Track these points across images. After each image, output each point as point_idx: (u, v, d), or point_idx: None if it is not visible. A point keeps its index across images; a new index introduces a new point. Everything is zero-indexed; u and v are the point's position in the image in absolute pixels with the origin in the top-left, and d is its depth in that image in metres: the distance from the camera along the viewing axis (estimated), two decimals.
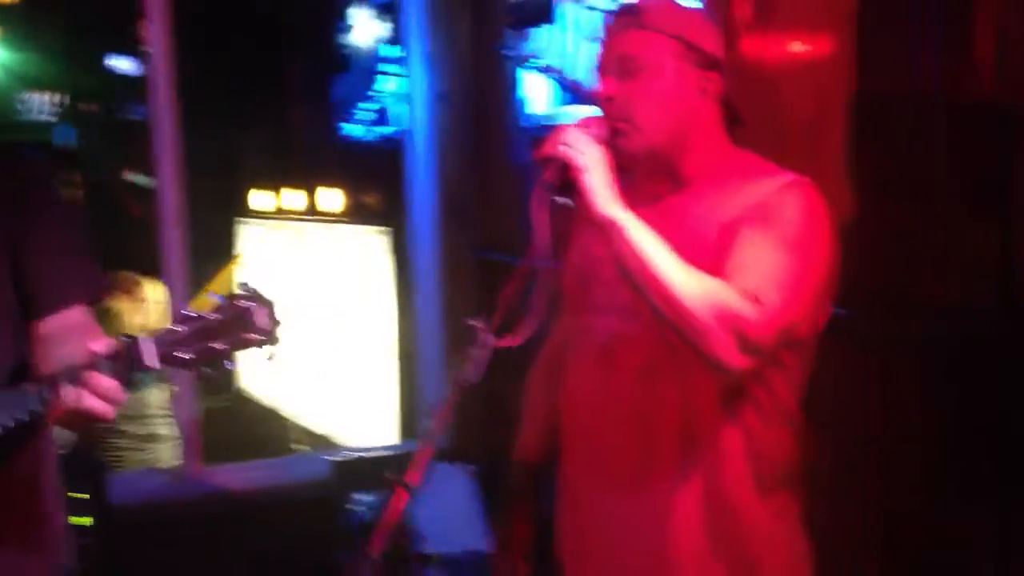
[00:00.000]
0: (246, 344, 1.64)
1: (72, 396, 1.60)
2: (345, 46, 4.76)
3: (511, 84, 3.71)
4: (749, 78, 2.19)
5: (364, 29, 4.64)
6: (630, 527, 1.82)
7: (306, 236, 5.36)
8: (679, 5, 1.91)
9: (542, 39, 3.32)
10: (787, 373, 1.80)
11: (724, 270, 1.67)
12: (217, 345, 1.63)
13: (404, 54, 4.03)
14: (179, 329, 1.63)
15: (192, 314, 1.64)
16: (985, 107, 2.31)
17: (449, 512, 3.72)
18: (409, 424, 4.30)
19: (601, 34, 1.86)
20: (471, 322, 1.71)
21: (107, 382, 1.60)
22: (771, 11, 2.56)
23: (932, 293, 2.27)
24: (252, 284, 1.67)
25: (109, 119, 7.36)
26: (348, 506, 3.64)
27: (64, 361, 1.66)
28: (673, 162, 1.82)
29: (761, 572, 1.79)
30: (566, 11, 3.15)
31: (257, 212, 5.73)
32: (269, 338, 1.65)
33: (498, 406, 3.96)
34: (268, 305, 1.66)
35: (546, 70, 3.35)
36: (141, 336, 1.62)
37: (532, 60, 3.38)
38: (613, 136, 1.77)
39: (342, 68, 4.83)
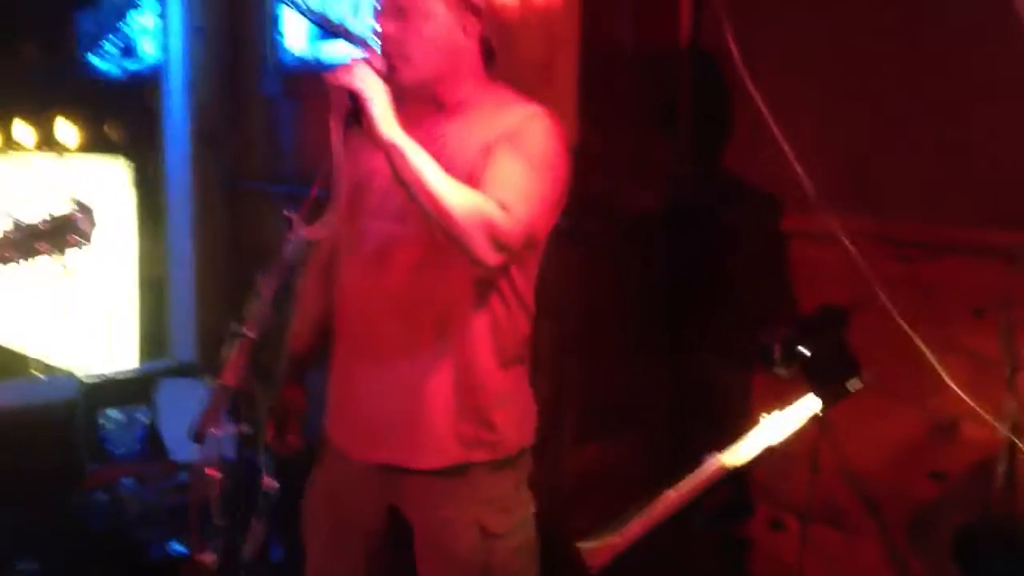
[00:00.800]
0: (69, 245, 1.92)
1: None
2: None
3: (268, 21, 3.92)
4: (496, 26, 2.54)
5: None
6: (394, 398, 2.15)
7: (40, 169, 5.28)
8: None
9: None
10: (526, 269, 2.18)
11: (482, 184, 2.03)
12: (42, 246, 1.89)
13: None
14: (11, 233, 1.88)
15: (23, 221, 1.89)
16: (663, 53, 2.87)
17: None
18: (153, 346, 4.43)
19: None
20: (287, 213, 1.95)
21: None
22: None
23: (622, 199, 2.76)
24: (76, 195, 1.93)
25: None
26: (100, 422, 3.79)
27: None
28: (440, 91, 2.14)
29: (498, 427, 2.17)
30: None
31: None
32: (88, 240, 1.92)
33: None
34: (89, 212, 1.93)
35: (305, 10, 3.59)
36: None
37: (293, 1, 3.60)
38: (390, 70, 2.07)
39: (88, 2, 4.81)
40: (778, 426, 1.75)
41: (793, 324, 1.91)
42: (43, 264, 2.00)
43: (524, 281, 2.19)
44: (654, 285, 2.90)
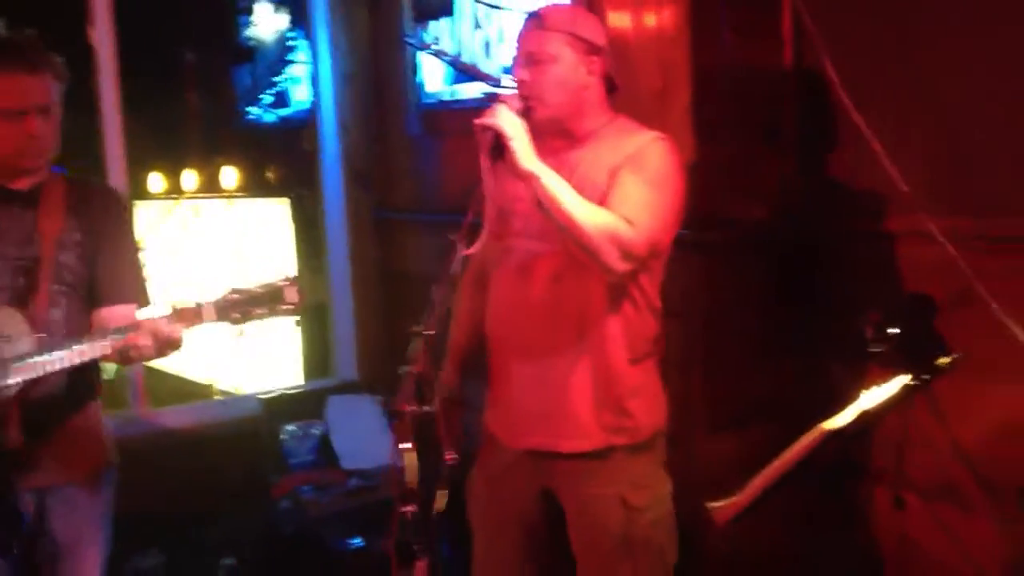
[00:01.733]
0: (279, 313, 2.37)
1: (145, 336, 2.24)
2: (249, 37, 5.27)
3: (408, 66, 4.33)
4: (615, 60, 2.86)
5: (267, 22, 5.17)
6: (543, 392, 2.50)
7: (206, 213, 5.79)
8: (571, 7, 2.59)
9: (440, 29, 3.94)
10: (652, 275, 2.50)
11: (609, 203, 2.36)
12: (258, 310, 2.31)
13: (310, 41, 4.59)
14: (233, 296, 2.29)
15: (242, 287, 2.33)
16: (767, 75, 3.12)
17: (364, 435, 4.35)
18: (319, 366, 4.88)
19: (516, 35, 2.52)
20: (450, 236, 2.31)
21: (176, 328, 2.28)
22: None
23: (736, 210, 3.02)
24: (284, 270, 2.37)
25: None
26: (280, 436, 4.22)
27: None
28: (569, 126, 2.49)
29: (634, 414, 2.49)
30: (462, 6, 3.78)
31: (155, 194, 6.13)
32: (296, 309, 2.38)
33: (399, 345, 4.61)
34: (296, 283, 2.34)
35: (441, 55, 3.97)
36: (206, 302, 2.29)
37: (430, 47, 3.99)
38: (527, 110, 2.42)
39: (245, 57, 5.32)
40: (873, 396, 2.01)
41: (884, 310, 2.17)
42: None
43: (651, 286, 2.51)
44: (769, 287, 3.15)
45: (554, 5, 2.58)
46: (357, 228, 4.56)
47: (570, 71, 2.45)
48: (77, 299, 2.49)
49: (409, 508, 2.23)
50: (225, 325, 2.35)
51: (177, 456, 3.95)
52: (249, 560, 3.57)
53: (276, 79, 5.18)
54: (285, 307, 2.37)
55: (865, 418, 2.01)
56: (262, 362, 5.24)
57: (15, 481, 2.30)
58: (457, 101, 4.17)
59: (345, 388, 4.53)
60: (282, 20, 5.15)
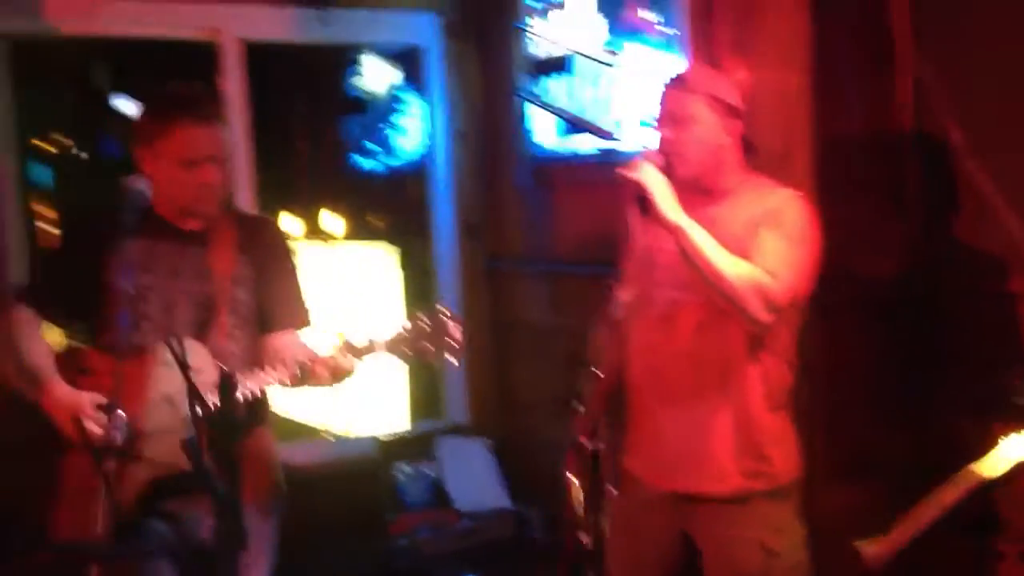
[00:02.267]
0: (446, 348, 2.49)
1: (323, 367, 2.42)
2: (359, 89, 5.49)
3: (519, 121, 4.50)
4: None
5: (378, 75, 5.38)
6: (685, 437, 2.61)
7: (318, 257, 5.96)
8: (713, 72, 2.73)
9: (554, 85, 4.10)
10: (789, 327, 2.61)
11: (751, 256, 2.48)
12: (427, 345, 2.45)
13: (424, 96, 4.79)
14: (404, 331, 2.46)
15: (412, 322, 2.49)
16: (892, 141, 3.24)
17: (474, 477, 4.48)
18: (428, 410, 5.04)
19: (660, 95, 2.66)
20: (608, 282, 2.44)
21: (349, 361, 2.45)
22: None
23: (860, 268, 3.11)
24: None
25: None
26: (393, 473, 4.37)
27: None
28: (708, 183, 2.62)
29: (773, 461, 2.59)
30: (578, 63, 3.94)
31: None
32: (460, 346, 2.49)
33: (508, 390, 4.76)
34: (459, 322, 2.46)
35: (556, 110, 4.14)
36: (378, 335, 2.44)
37: (545, 102, 4.16)
38: (668, 166, 2.56)
39: (355, 109, 5.53)
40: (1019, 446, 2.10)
41: None
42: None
43: (788, 337, 2.61)
44: (892, 345, 3.23)
45: (696, 67, 2.72)
46: (468, 277, 4.71)
47: (710, 131, 2.59)
48: (251, 331, 2.67)
49: (584, 537, 2.32)
50: (395, 359, 2.48)
51: (297, 494, 4.09)
52: None
53: (384, 127, 5.38)
54: (451, 343, 2.49)
55: (1018, 468, 2.09)
56: (370, 402, 5.39)
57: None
58: (569, 155, 4.32)
59: (455, 431, 4.67)
60: (394, 74, 5.36)
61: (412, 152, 5.26)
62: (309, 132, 5.82)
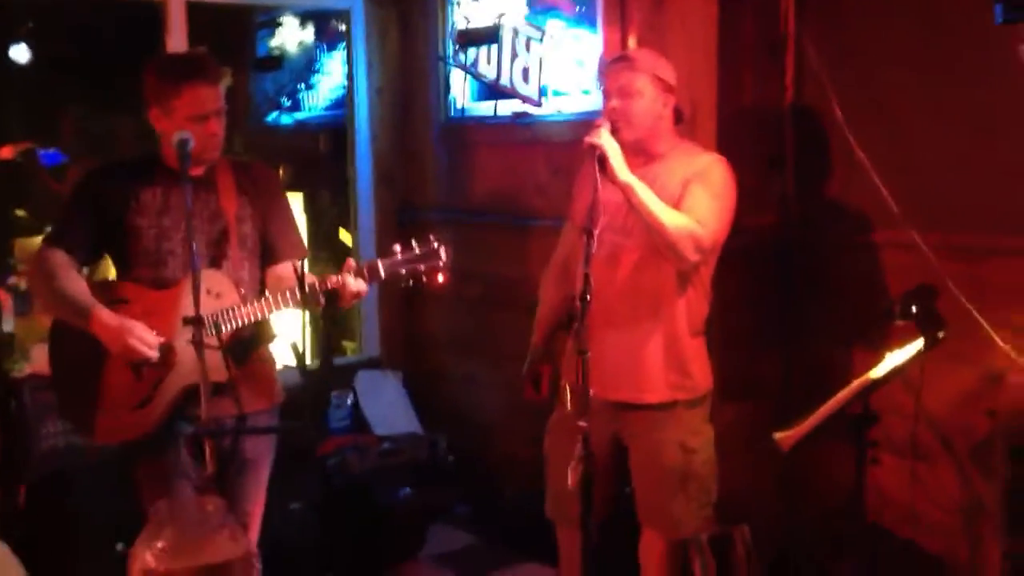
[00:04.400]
0: (436, 271, 2.89)
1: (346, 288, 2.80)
2: (273, 48, 5.79)
3: (437, 82, 4.94)
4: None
5: (292, 35, 5.70)
6: (624, 357, 3.15)
7: None
8: (654, 53, 3.25)
9: (479, 53, 4.55)
10: (708, 267, 3.17)
11: (683, 208, 3.02)
12: (420, 267, 2.85)
13: (346, 57, 5.16)
14: (398, 255, 2.83)
15: (404, 247, 2.86)
16: (776, 113, 3.85)
17: (388, 405, 4.94)
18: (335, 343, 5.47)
19: (605, 71, 3.17)
20: (581, 223, 2.90)
21: (359, 283, 2.80)
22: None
23: (746, 221, 3.52)
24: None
25: None
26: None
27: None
28: (648, 146, 3.15)
29: (694, 376, 3.16)
30: (504, 35, 4.40)
31: None
32: (447, 268, 2.88)
33: (417, 329, 5.21)
34: (448, 245, 2.88)
35: (479, 76, 4.59)
36: (378, 259, 2.82)
37: (469, 68, 4.60)
38: (615, 131, 3.07)
39: (273, 67, 5.82)
40: (897, 357, 2.73)
41: (905, 295, 2.91)
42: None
43: (707, 275, 3.19)
44: (771, 285, 3.88)
45: (640, 49, 3.24)
46: (382, 223, 5.13)
47: (652, 104, 3.11)
48: (255, 261, 3.05)
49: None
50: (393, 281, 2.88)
51: None
52: (309, 506, 4.09)
53: (297, 87, 5.71)
54: (441, 265, 2.89)
55: (894, 372, 2.71)
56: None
57: (224, 408, 2.80)
58: (482, 116, 4.79)
59: (370, 364, 5.10)
60: (306, 34, 5.68)
61: (324, 107, 5.62)
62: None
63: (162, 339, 2.84)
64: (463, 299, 4.91)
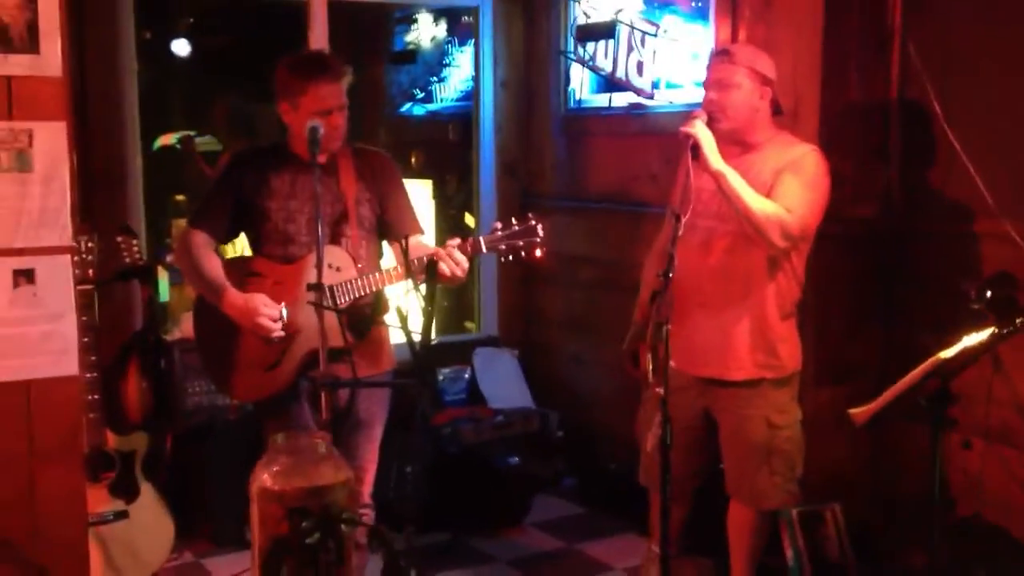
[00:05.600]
0: (535, 246, 3.10)
1: (445, 262, 3.04)
2: (411, 43, 6.14)
3: (559, 76, 5.19)
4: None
5: (427, 31, 6.04)
6: (714, 335, 3.34)
7: None
8: (752, 47, 3.42)
9: (598, 47, 4.78)
10: (800, 254, 3.33)
11: (774, 196, 3.19)
12: (519, 243, 3.08)
13: (474, 52, 5.46)
14: (499, 232, 3.09)
15: (505, 223, 3.09)
16: (880, 106, 3.96)
17: (503, 381, 5.22)
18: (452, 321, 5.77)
19: (707, 65, 3.36)
20: (672, 208, 3.12)
21: (463, 258, 3.05)
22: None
23: (847, 211, 3.77)
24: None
25: None
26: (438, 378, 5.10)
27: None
28: (744, 137, 3.33)
29: (781, 356, 3.33)
30: (620, 30, 4.62)
31: None
32: (544, 243, 3.09)
33: (533, 310, 5.48)
34: (543, 222, 3.10)
35: (596, 69, 4.82)
36: (477, 232, 3.09)
37: (587, 62, 4.84)
38: (712, 122, 3.25)
39: (408, 60, 6.19)
40: (972, 339, 2.84)
41: (983, 282, 3.02)
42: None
43: (799, 262, 3.35)
44: (871, 273, 4.00)
45: (739, 44, 3.42)
46: (504, 210, 5.39)
47: (748, 96, 3.29)
48: (374, 240, 3.34)
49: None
50: (494, 256, 3.11)
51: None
52: (428, 470, 4.40)
53: (429, 79, 6.04)
54: (538, 240, 3.10)
55: (965, 354, 2.83)
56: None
57: (342, 366, 3.05)
58: (600, 108, 5.02)
59: (488, 342, 5.40)
60: (439, 29, 6.01)
61: (454, 99, 5.94)
62: (363, 80, 6.50)
63: (284, 316, 3.14)
64: (578, 282, 5.16)
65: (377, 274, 3.18)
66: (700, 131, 3.18)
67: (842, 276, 3.94)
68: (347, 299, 3.13)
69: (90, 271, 3.34)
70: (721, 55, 3.35)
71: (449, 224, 6.00)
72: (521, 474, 4.64)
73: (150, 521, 3.49)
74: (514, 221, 3.16)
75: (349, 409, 3.15)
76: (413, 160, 6.31)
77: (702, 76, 3.41)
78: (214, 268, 3.24)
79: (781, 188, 3.22)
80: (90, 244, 3.36)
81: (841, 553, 3.84)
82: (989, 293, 3.01)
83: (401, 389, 3.46)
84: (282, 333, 3.15)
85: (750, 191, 3.16)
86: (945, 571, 3.34)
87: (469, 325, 5.80)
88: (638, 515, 3.86)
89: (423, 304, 2.77)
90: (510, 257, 3.15)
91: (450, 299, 5.88)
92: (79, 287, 3.26)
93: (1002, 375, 3.55)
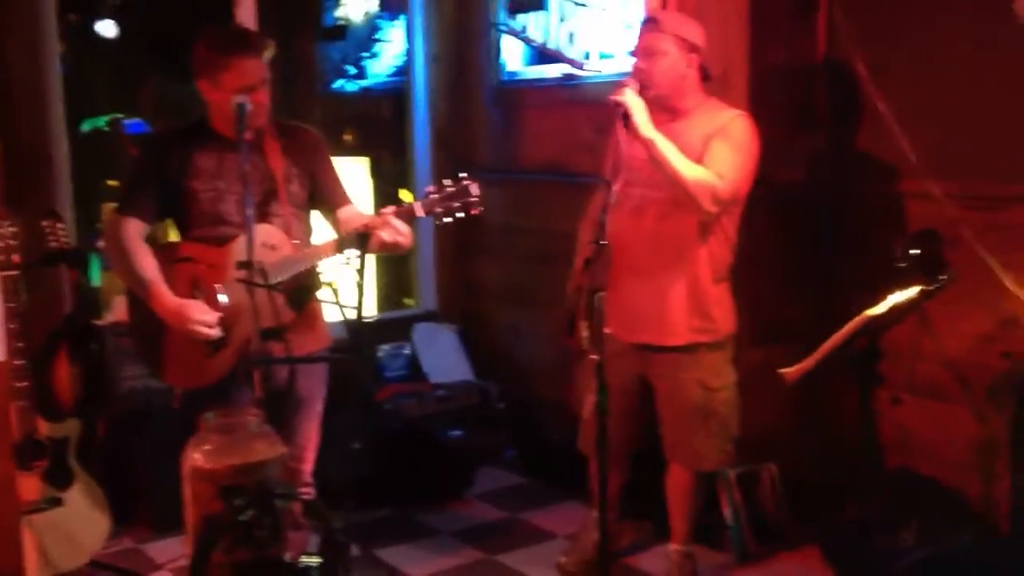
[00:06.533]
0: (470, 206, 3.06)
1: (385, 230, 3.00)
2: (341, 18, 6.08)
3: (490, 49, 5.17)
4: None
5: (357, 6, 5.99)
6: (649, 302, 3.37)
7: None
8: (679, 14, 3.44)
9: (529, 19, 4.78)
10: (731, 218, 3.37)
11: (705, 162, 3.22)
12: (454, 204, 3.06)
13: (405, 26, 5.42)
14: (433, 195, 3.06)
15: (438, 187, 3.06)
16: (806, 70, 4.01)
17: (443, 356, 5.22)
18: (391, 298, 5.76)
19: (637, 32, 3.37)
20: (604, 178, 3.13)
21: (403, 224, 3.02)
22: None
23: (775, 175, 3.76)
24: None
25: None
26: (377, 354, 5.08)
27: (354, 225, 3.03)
28: (672, 104, 3.35)
29: (715, 319, 3.38)
30: (551, 2, 4.62)
31: None
32: (480, 203, 3.06)
33: (471, 284, 5.48)
34: (477, 183, 3.08)
35: (531, 41, 4.81)
36: (414, 200, 3.05)
37: (519, 34, 4.83)
38: (641, 89, 3.27)
39: (338, 36, 6.12)
40: (898, 296, 2.90)
41: (906, 239, 3.08)
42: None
43: (731, 225, 3.38)
44: (801, 235, 4.05)
45: (667, 12, 3.44)
46: (439, 182, 5.37)
47: (675, 63, 3.31)
48: (305, 216, 3.30)
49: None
50: (431, 219, 3.07)
51: None
52: (368, 445, 4.39)
53: (361, 55, 5.98)
54: (473, 200, 3.05)
55: (893, 311, 2.89)
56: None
57: (280, 345, 3.04)
58: (532, 79, 5.01)
59: (426, 317, 5.40)
60: (370, 4, 5.96)
61: (387, 74, 5.89)
62: (293, 57, 6.41)
63: (220, 314, 3.07)
64: (515, 254, 5.16)
65: (312, 248, 3.14)
66: (630, 99, 3.19)
67: (774, 239, 3.98)
68: (285, 276, 3.08)
69: (14, 256, 3.28)
70: (649, 23, 3.37)
71: (386, 200, 5.92)
72: (464, 447, 4.66)
73: (85, 508, 3.45)
74: (447, 183, 3.11)
75: (289, 388, 3.13)
76: (348, 137, 6.26)
77: (632, 46, 3.42)
78: (144, 261, 3.15)
79: (711, 154, 3.25)
80: (13, 229, 3.29)
81: (778, 510, 3.92)
82: (914, 251, 3.06)
83: (338, 364, 3.44)
84: (216, 333, 3.08)
85: (681, 157, 3.18)
86: (879, 522, 3.44)
87: (409, 302, 5.78)
88: (580, 484, 3.89)
89: (356, 279, 2.76)
90: (447, 219, 3.10)
91: (389, 276, 5.86)
92: (3, 273, 3.22)
93: (928, 331, 3.64)
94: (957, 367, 3.66)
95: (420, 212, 3.09)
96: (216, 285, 3.12)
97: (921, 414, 3.75)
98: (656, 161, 3.18)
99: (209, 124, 3.23)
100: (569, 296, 3.60)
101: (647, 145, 3.17)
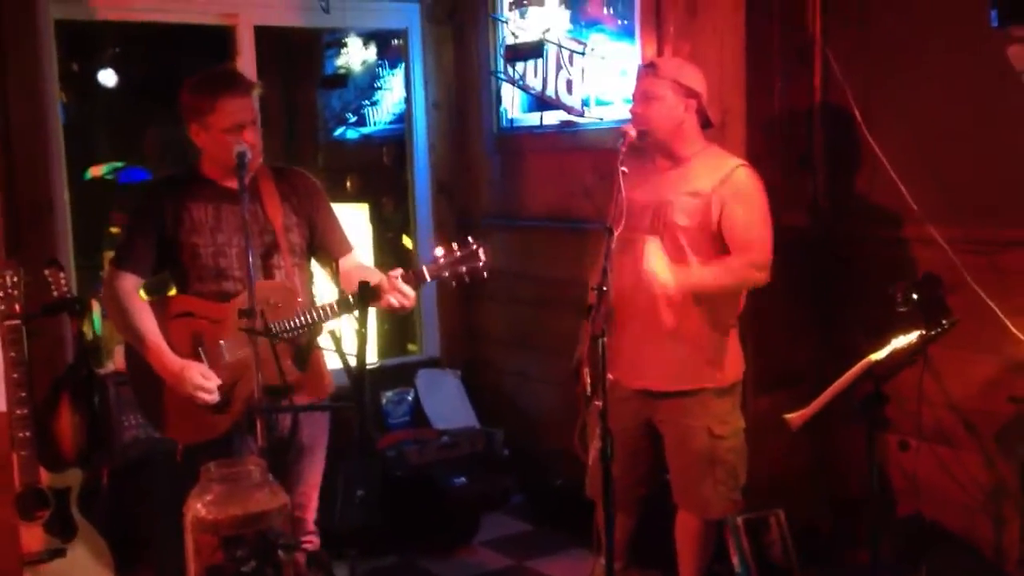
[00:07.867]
0: (478, 271, 3.06)
1: (393, 295, 2.99)
2: (341, 67, 6.13)
3: (490, 96, 5.20)
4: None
5: (357, 54, 6.04)
6: (652, 345, 3.36)
7: None
8: (678, 60, 3.46)
9: (527, 67, 4.81)
10: None
11: (730, 236, 3.24)
12: (462, 268, 3.05)
13: (405, 73, 5.46)
14: (441, 260, 3.05)
15: (447, 250, 3.05)
16: (804, 116, 4.02)
17: (447, 402, 5.20)
18: (394, 344, 5.74)
19: (635, 78, 3.39)
20: (606, 224, 3.12)
21: (410, 289, 3.01)
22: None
23: (781, 219, 3.74)
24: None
25: None
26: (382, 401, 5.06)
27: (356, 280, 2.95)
28: (672, 149, 3.36)
29: (721, 366, 3.37)
30: (549, 49, 4.65)
31: None
32: (487, 267, 3.05)
33: (474, 330, 5.47)
34: (485, 246, 3.07)
35: (526, 88, 4.84)
36: (422, 264, 3.04)
37: (518, 81, 4.86)
38: (640, 135, 3.28)
39: (339, 84, 6.17)
40: (900, 341, 2.90)
41: (906, 284, 3.08)
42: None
43: None
44: (803, 281, 4.04)
45: (665, 57, 3.46)
46: (440, 229, 5.40)
47: (671, 108, 3.31)
48: (305, 266, 3.28)
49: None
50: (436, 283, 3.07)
51: None
52: (372, 493, 4.37)
53: (361, 103, 6.04)
54: (481, 264, 3.04)
55: (896, 355, 2.88)
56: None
57: (284, 401, 3.06)
58: (532, 126, 5.04)
59: (430, 363, 5.38)
60: (369, 53, 6.02)
61: (387, 122, 5.93)
62: (295, 105, 6.48)
63: (220, 382, 3.04)
64: (518, 300, 5.16)
65: (318, 311, 3.09)
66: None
67: (777, 284, 3.97)
68: (289, 335, 3.05)
69: (17, 306, 3.27)
70: (648, 68, 3.39)
71: (387, 247, 5.98)
72: (468, 494, 4.62)
73: (88, 559, 3.42)
74: (455, 246, 3.09)
75: (291, 437, 3.11)
76: (349, 184, 6.29)
77: (631, 92, 3.44)
78: (142, 318, 3.10)
79: (732, 223, 3.27)
80: (16, 279, 3.29)
81: (786, 557, 3.89)
82: (915, 295, 3.07)
83: (340, 412, 3.42)
84: (216, 398, 3.04)
85: (720, 277, 3.28)
86: (888, 569, 3.40)
87: (412, 348, 5.78)
88: (586, 530, 3.85)
89: (357, 327, 2.75)
90: (454, 284, 3.12)
91: (392, 322, 5.86)
92: (6, 322, 3.21)
93: (932, 375, 3.62)
94: (963, 412, 3.64)
95: (427, 277, 3.08)
96: (220, 341, 3.09)
97: (929, 459, 3.73)
98: (703, 295, 3.26)
99: (200, 171, 3.18)
100: (580, 345, 3.59)
101: (692, 292, 3.24)
